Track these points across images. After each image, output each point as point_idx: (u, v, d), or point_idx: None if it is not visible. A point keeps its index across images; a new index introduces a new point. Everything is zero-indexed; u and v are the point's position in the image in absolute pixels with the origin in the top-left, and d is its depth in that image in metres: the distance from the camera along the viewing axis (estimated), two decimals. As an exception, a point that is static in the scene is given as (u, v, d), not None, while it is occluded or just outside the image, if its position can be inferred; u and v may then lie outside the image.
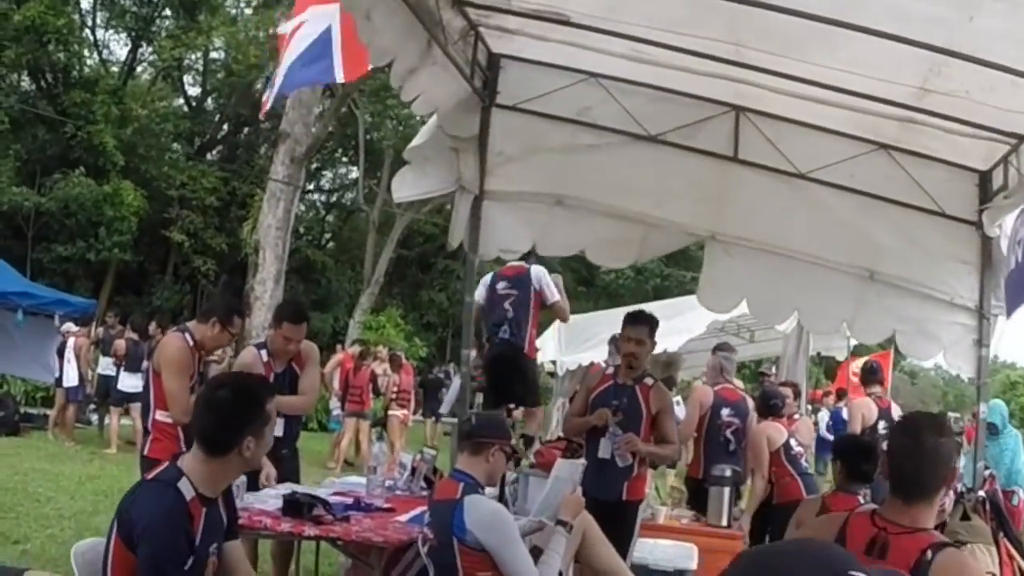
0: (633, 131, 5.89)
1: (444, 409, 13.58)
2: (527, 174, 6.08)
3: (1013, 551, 5.35)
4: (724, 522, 6.02)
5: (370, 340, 18.52)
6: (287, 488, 4.70)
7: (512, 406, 5.58)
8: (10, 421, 13.41)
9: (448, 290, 32.54)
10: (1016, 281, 4.94)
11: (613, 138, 5.95)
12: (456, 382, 8.56)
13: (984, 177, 5.60)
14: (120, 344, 12.52)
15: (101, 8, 29.53)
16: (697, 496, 6.56)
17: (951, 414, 27.81)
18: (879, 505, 2.73)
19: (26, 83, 27.77)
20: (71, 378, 12.94)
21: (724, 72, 5.26)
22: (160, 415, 4.80)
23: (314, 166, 29.75)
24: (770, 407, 6.63)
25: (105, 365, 13.06)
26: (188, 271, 28.56)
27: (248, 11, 30.44)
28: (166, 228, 26.54)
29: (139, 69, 31.28)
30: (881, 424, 6.61)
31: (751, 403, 7.15)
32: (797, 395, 7.44)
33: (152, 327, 13.16)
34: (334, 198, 37.75)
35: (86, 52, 28.19)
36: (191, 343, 4.88)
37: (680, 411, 7.49)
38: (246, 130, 33.35)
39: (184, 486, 2.79)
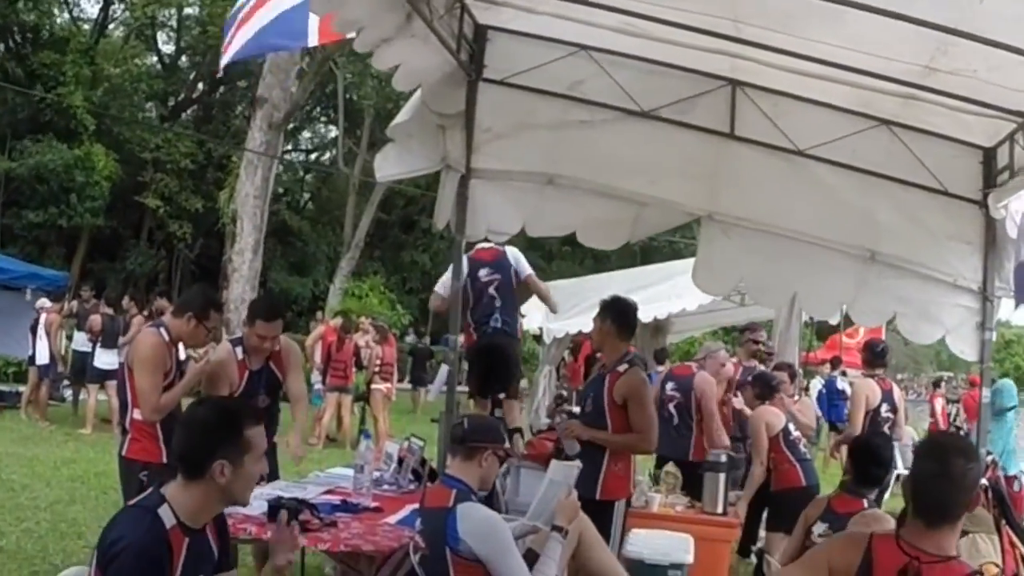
0: (626, 106, 5.68)
1: (432, 397, 13.46)
2: (516, 152, 5.87)
3: (1016, 539, 5.26)
4: (719, 509, 5.88)
5: (352, 310, 18.27)
6: (271, 490, 4.51)
7: (502, 396, 5.40)
8: (-20, 399, 13.13)
9: (431, 250, 32.31)
10: None
11: (605, 114, 5.74)
12: (443, 369, 8.38)
13: (988, 154, 5.42)
14: (96, 320, 12.17)
15: (71, -37, 28.83)
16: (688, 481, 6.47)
17: (943, 374, 28.08)
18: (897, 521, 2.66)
19: (-6, 45, 27.11)
20: (43, 356, 12.63)
21: (720, 46, 5.04)
22: (137, 413, 4.61)
23: (291, 126, 29.23)
24: (768, 391, 6.47)
25: (80, 341, 12.70)
26: (163, 236, 28.22)
27: (223, -35, 29.68)
28: (140, 193, 26.09)
29: (111, 27, 30.56)
30: (884, 407, 6.46)
31: (706, 378, 7.11)
32: (793, 377, 7.29)
33: (126, 301, 12.84)
34: (313, 157, 37.30)
35: (56, 11, 27.47)
36: (167, 339, 4.67)
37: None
38: (222, 89, 32.76)
39: (164, 513, 2.60)
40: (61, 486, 8.29)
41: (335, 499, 4.67)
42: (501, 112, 5.82)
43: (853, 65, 4.79)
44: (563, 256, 31.60)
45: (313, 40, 7.64)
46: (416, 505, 4.57)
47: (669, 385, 7.26)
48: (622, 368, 4.98)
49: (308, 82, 17.96)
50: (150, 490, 2.72)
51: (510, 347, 6.06)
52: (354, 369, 12.54)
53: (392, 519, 4.47)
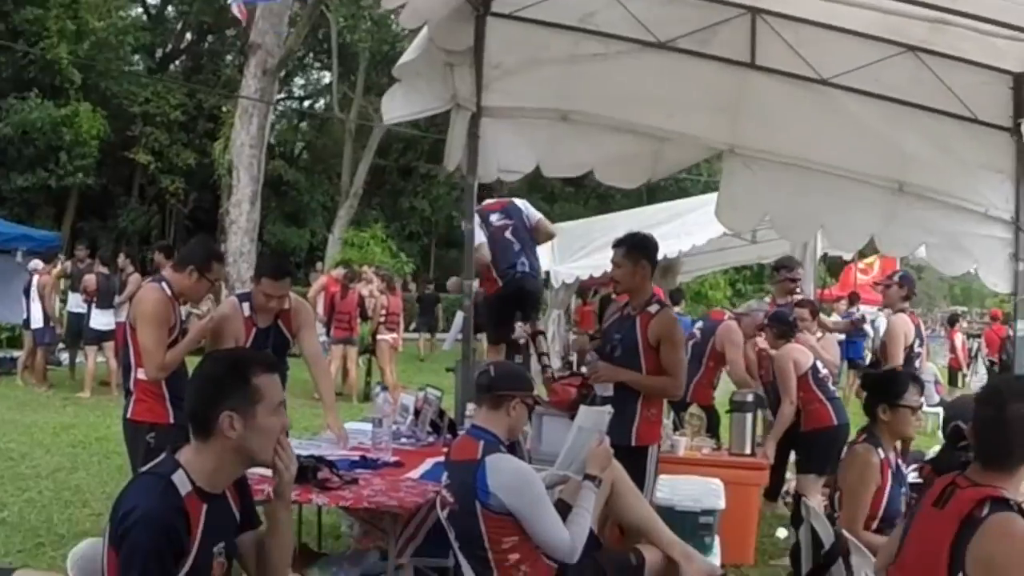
0: (641, 38, 5.50)
1: (448, 346, 13.30)
2: (528, 88, 5.72)
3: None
4: (748, 450, 5.74)
5: (354, 260, 18.04)
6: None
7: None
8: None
9: (430, 196, 31.95)
10: None
11: (620, 46, 5.56)
12: (459, 316, 8.20)
13: (1019, 80, 5.23)
14: (90, 279, 11.76)
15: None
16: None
17: (958, 308, 27.94)
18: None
19: (-27, 1, 26.41)
20: (37, 319, 12.38)
21: (739, -30, 4.84)
22: (142, 373, 4.42)
23: (283, 72, 28.74)
24: (786, 328, 6.27)
25: (75, 302, 12.33)
26: (155, 191, 27.83)
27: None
28: (129, 148, 25.65)
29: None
30: (916, 343, 6.29)
31: (731, 327, 6.96)
32: (815, 314, 7.08)
33: (121, 259, 12.56)
34: (307, 104, 36.73)
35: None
36: (169, 293, 4.47)
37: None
38: (210, 38, 32.15)
39: (179, 479, 2.40)
40: (62, 453, 8.08)
41: (354, 455, 4.52)
42: (511, 47, 5.66)
43: (880, -11, 4.59)
44: (566, 197, 31.22)
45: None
46: (437, 458, 4.44)
47: (698, 324, 7.34)
48: (653, 309, 4.73)
49: (302, 27, 17.51)
50: (163, 456, 2.51)
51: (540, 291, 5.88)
52: (359, 320, 12.35)
53: (414, 474, 4.35)
